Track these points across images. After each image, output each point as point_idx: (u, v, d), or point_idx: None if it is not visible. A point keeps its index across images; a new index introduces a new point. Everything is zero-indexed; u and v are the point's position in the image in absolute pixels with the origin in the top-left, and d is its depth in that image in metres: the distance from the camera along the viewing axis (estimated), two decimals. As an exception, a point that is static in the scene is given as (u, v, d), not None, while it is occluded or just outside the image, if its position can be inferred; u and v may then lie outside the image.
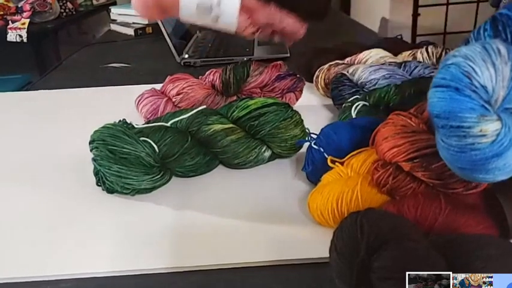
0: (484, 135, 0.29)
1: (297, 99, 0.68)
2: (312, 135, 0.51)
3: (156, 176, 0.48)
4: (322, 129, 0.49)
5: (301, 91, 0.68)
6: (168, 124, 0.52)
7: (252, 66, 0.67)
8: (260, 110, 0.52)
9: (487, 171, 0.30)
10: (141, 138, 0.48)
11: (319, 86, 0.73)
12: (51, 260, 0.41)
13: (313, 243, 0.41)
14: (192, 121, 0.52)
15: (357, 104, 0.57)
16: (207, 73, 0.68)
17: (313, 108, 0.70)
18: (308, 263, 0.39)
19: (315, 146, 0.48)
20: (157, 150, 0.48)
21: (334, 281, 0.33)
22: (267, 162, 0.54)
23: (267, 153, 0.53)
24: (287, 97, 0.67)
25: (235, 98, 0.66)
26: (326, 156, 0.46)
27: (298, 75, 0.68)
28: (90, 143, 0.49)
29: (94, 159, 0.48)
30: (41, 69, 1.98)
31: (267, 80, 0.66)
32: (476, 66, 0.29)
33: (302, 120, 0.53)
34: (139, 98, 0.67)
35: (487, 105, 0.29)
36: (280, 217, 0.45)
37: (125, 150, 0.47)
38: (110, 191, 0.49)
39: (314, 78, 0.74)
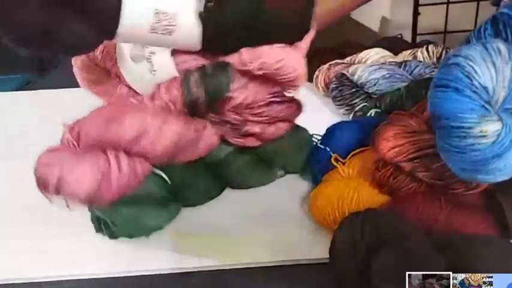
0: (484, 136, 0.29)
1: (289, 129, 0.48)
2: (316, 135, 0.51)
3: (174, 207, 0.43)
4: (328, 129, 0.49)
5: (295, 120, 0.49)
6: None
7: (232, 73, 0.42)
8: None
9: (487, 172, 0.30)
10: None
11: (319, 86, 0.72)
12: (51, 260, 0.41)
13: (313, 243, 0.41)
14: None
15: (370, 112, 0.57)
16: (155, 89, 0.43)
17: (313, 108, 0.70)
18: (308, 263, 0.39)
19: (321, 146, 0.48)
20: (168, 181, 0.44)
21: (334, 281, 0.33)
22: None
23: (280, 172, 0.51)
24: (278, 125, 0.47)
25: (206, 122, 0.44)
26: (332, 155, 0.46)
27: (297, 100, 0.47)
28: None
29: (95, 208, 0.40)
30: (40, 69, 1.98)
31: (252, 99, 0.43)
32: (476, 66, 0.29)
33: (309, 135, 0.52)
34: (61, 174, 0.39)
35: (487, 106, 0.29)
36: (281, 217, 0.45)
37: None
38: (119, 235, 0.42)
39: (314, 78, 0.74)
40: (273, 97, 0.44)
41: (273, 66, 0.41)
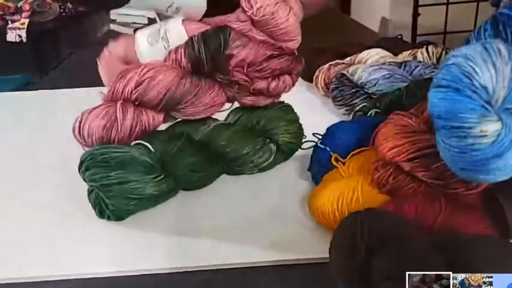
0: (484, 136, 0.29)
1: (293, 84, 0.54)
2: (316, 135, 0.51)
3: (159, 176, 0.44)
4: (328, 129, 0.50)
5: (298, 74, 0.55)
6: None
7: (232, 35, 0.50)
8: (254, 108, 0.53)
9: (487, 172, 0.30)
10: (133, 143, 0.47)
11: (319, 86, 0.73)
12: (52, 260, 0.41)
13: (313, 243, 0.41)
14: (188, 124, 0.51)
15: (370, 112, 0.57)
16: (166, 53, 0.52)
17: (313, 108, 0.70)
18: (308, 263, 0.39)
19: (321, 146, 0.48)
20: (152, 149, 0.46)
21: (334, 281, 0.33)
22: (274, 159, 0.51)
23: (273, 145, 0.51)
24: (281, 79, 0.53)
25: (215, 82, 0.52)
26: (332, 155, 0.46)
27: (294, 54, 0.54)
28: (79, 169, 0.44)
29: (89, 180, 0.43)
30: (40, 69, 1.98)
31: (252, 58, 0.50)
32: (476, 66, 0.29)
33: (294, 110, 0.54)
34: (81, 120, 0.49)
35: (487, 106, 0.29)
36: (281, 217, 0.45)
37: (116, 154, 0.43)
38: (115, 213, 0.44)
39: (314, 78, 0.74)
40: (271, 51, 0.51)
41: (268, 9, 0.49)
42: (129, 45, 0.54)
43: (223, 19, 0.53)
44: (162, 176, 0.45)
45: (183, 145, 0.47)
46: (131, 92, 0.47)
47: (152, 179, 0.44)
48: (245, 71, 0.50)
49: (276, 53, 0.51)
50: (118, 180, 0.42)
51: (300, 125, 0.53)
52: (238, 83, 0.50)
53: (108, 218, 0.44)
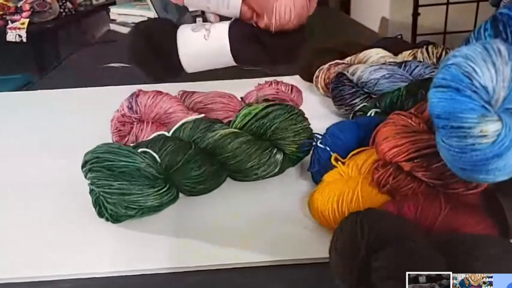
0: (484, 136, 0.29)
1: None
2: (316, 135, 0.51)
3: (162, 189, 0.44)
4: (328, 129, 0.50)
5: (298, 91, 0.68)
6: (169, 134, 0.50)
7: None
8: (264, 111, 0.50)
9: (487, 172, 0.30)
10: (139, 150, 0.46)
11: (319, 86, 0.73)
12: (51, 260, 0.41)
13: (313, 243, 0.41)
14: (195, 130, 0.50)
15: (370, 112, 0.57)
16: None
17: (313, 108, 0.70)
18: (308, 263, 0.39)
19: (321, 146, 0.48)
20: (158, 160, 0.45)
21: (334, 281, 0.33)
22: (279, 169, 0.51)
23: (279, 156, 0.50)
24: (292, 96, 0.66)
25: None
26: (332, 155, 0.46)
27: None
28: (82, 167, 0.44)
29: (91, 183, 0.43)
30: (40, 69, 1.98)
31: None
32: (476, 66, 0.29)
33: (306, 118, 0.53)
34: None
35: (487, 106, 0.29)
36: (281, 217, 0.45)
37: (122, 163, 0.42)
38: (114, 217, 0.44)
39: (314, 78, 0.74)
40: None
41: None
42: None
43: None
44: (166, 188, 0.45)
45: (190, 157, 0.47)
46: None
47: (155, 192, 0.44)
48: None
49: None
50: (120, 191, 0.42)
51: (310, 133, 0.52)
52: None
53: (107, 219, 0.45)
